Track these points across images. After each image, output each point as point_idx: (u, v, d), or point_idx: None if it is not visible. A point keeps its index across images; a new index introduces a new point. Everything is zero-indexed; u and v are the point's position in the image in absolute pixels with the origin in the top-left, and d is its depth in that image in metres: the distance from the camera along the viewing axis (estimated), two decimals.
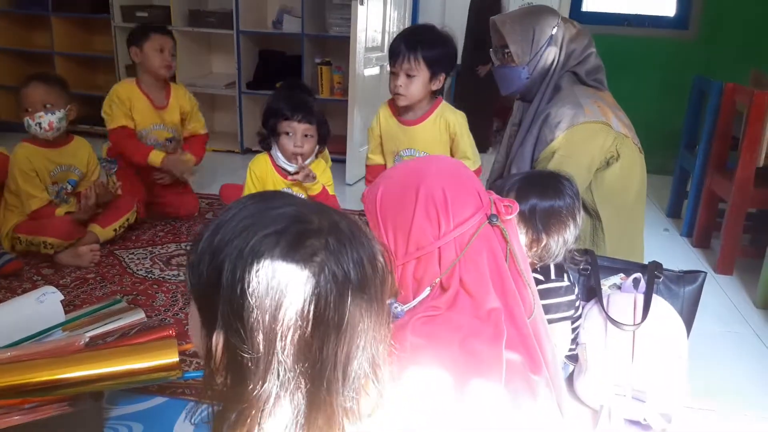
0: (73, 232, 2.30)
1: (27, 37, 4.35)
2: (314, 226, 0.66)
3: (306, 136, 2.15)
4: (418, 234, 0.98)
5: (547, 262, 1.55)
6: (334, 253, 0.65)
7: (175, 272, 2.28)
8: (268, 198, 0.70)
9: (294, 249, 0.64)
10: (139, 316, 1.80)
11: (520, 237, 1.51)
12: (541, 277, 1.54)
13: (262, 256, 0.63)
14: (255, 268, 0.62)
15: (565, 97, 1.89)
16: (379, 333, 0.68)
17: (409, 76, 2.07)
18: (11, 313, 1.74)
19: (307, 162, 2.21)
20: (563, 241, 1.54)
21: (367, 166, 2.41)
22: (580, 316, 1.61)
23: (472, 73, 4.15)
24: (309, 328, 0.62)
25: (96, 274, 2.24)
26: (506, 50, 1.93)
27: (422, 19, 4.05)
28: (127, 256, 2.39)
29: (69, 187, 2.43)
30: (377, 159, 2.35)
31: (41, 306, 1.74)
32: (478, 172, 2.28)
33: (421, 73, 2.07)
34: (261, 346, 0.62)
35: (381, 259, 0.69)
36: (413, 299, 0.99)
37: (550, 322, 1.48)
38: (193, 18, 3.94)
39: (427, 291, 0.98)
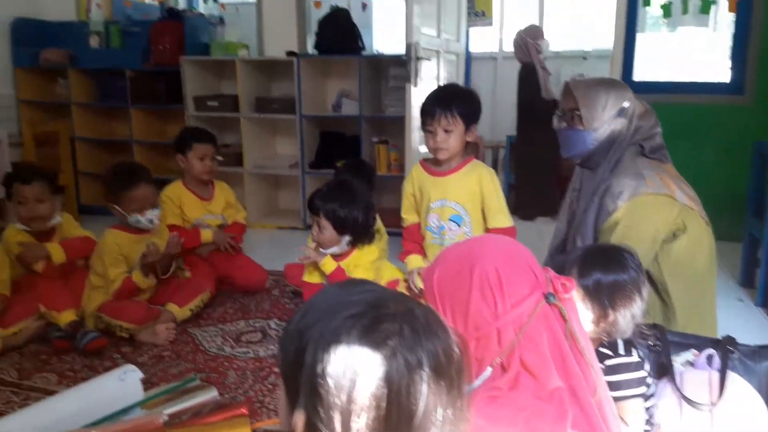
0: (147, 318, 2.43)
1: (108, 127, 4.72)
2: (390, 312, 0.70)
3: (319, 227, 2.27)
4: (476, 315, 0.99)
5: (616, 337, 1.53)
6: (407, 339, 0.68)
7: (245, 349, 2.35)
8: (351, 284, 0.77)
9: (368, 332, 0.67)
10: (212, 393, 1.86)
11: (587, 313, 1.51)
12: (609, 352, 1.51)
13: (340, 338, 0.67)
14: (333, 349, 0.67)
15: (627, 168, 1.90)
16: (458, 427, 0.69)
17: (446, 131, 2.25)
18: (95, 391, 1.83)
19: (330, 251, 2.29)
20: (631, 315, 1.52)
21: (402, 228, 2.51)
22: (653, 395, 1.57)
23: (527, 141, 4.22)
24: (383, 412, 0.65)
25: (171, 351, 2.34)
26: (576, 112, 1.97)
27: None
28: (200, 333, 2.49)
29: None
30: (411, 218, 2.47)
31: (122, 384, 1.83)
32: (512, 231, 2.32)
33: (458, 127, 2.26)
34: (338, 427, 0.65)
35: (456, 350, 0.71)
36: (475, 379, 1.00)
37: (620, 399, 1.45)
38: (259, 105, 4.19)
39: (488, 371, 0.98)
